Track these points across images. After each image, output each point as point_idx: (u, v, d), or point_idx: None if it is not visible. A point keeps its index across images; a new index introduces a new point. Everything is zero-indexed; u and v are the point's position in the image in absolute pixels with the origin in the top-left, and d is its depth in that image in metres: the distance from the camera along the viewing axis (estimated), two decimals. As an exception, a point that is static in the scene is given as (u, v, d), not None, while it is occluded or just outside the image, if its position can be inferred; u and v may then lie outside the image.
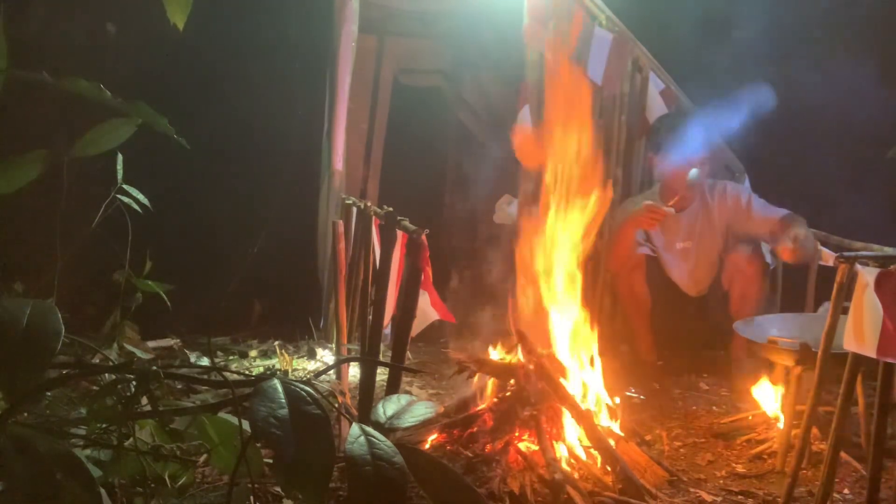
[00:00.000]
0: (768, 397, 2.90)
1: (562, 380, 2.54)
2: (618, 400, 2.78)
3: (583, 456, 2.44)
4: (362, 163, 4.81)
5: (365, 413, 2.30)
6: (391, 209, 2.64)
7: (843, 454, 2.41)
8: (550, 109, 3.05)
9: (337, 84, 4.04)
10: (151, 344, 3.68)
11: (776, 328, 2.92)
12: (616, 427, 2.64)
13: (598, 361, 2.79)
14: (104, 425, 1.44)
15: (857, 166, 4.50)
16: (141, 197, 1.89)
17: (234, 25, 4.46)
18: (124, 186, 1.89)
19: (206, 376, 1.52)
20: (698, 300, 3.85)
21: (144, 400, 1.38)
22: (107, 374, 1.42)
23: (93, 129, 1.54)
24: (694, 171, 3.59)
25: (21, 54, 1.37)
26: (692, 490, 2.40)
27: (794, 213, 3.54)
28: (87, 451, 1.51)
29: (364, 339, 2.85)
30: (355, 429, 1.07)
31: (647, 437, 2.80)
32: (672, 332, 3.84)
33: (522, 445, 2.36)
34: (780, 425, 2.74)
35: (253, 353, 3.90)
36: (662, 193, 3.77)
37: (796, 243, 3.26)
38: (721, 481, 2.50)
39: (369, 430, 1.07)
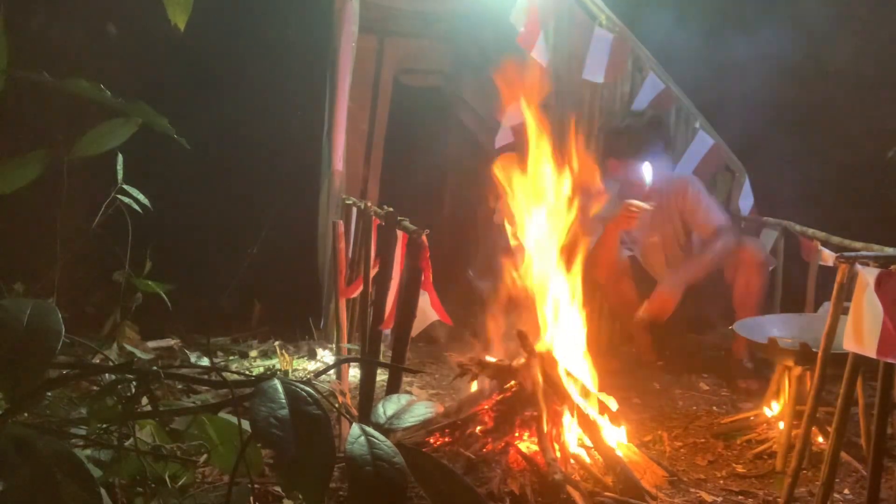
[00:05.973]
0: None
1: (561, 380, 2.53)
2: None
3: (584, 456, 2.43)
4: (362, 163, 4.81)
5: (365, 413, 2.30)
6: (391, 209, 2.64)
7: (843, 454, 2.41)
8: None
9: (337, 84, 4.04)
10: (151, 344, 3.68)
11: (776, 328, 2.91)
12: (616, 427, 2.64)
13: (594, 361, 2.79)
14: (104, 425, 1.44)
15: (854, 167, 4.51)
16: (141, 197, 1.89)
17: (235, 26, 4.46)
18: (124, 186, 1.89)
19: (206, 376, 1.52)
20: (689, 290, 3.82)
21: (144, 400, 1.38)
22: (107, 374, 1.41)
23: (93, 129, 1.54)
24: (645, 167, 3.59)
25: (21, 54, 1.37)
26: (692, 490, 2.40)
27: (725, 226, 3.56)
28: (87, 451, 1.50)
29: (364, 340, 2.85)
30: (355, 429, 1.07)
31: (647, 438, 2.80)
32: (670, 327, 3.82)
33: (522, 445, 2.36)
34: (781, 425, 2.74)
35: (253, 353, 3.89)
36: (623, 195, 3.72)
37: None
38: (721, 481, 2.50)
39: (369, 430, 1.07)
